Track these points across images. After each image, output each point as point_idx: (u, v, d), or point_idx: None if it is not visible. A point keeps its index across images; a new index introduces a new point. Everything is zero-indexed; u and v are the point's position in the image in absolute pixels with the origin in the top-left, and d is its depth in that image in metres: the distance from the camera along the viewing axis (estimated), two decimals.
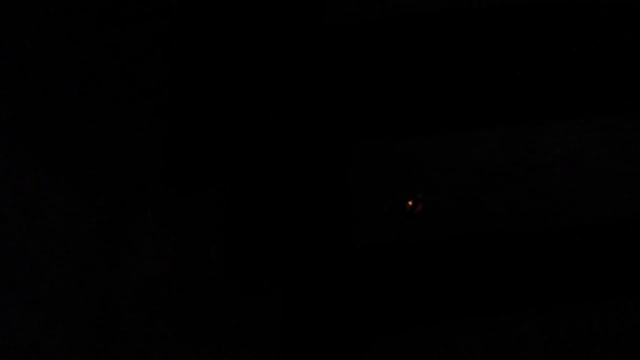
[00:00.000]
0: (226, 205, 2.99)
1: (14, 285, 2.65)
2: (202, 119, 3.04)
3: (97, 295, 2.81)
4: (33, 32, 2.86)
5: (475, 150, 3.05)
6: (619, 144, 3.07)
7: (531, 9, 3.04)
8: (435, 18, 3.04)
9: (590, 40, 3.07)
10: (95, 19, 3.00)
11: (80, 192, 2.88)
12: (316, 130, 3.08)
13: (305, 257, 3.00)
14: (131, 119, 2.99)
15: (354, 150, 3.05)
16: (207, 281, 2.91)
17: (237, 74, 3.07)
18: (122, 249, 2.89)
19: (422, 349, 2.92)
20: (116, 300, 2.83)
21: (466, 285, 2.99)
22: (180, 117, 3.01)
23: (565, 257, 3.00)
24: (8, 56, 2.80)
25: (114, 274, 2.85)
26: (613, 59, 3.09)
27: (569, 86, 3.11)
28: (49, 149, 2.85)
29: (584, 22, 3.05)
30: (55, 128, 2.86)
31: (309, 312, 2.96)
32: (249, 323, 2.89)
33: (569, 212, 3.01)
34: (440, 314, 2.97)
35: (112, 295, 2.84)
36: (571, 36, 3.07)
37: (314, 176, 3.05)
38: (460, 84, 3.09)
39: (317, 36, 3.07)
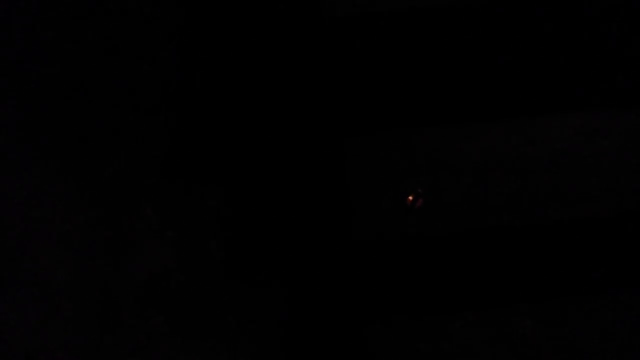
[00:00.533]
0: (226, 200, 3.00)
1: (14, 281, 2.67)
2: (200, 113, 3.05)
3: (97, 292, 2.83)
4: (32, 32, 2.87)
5: (476, 144, 3.05)
6: (621, 138, 3.06)
7: (532, 3, 3.03)
8: (436, 12, 3.04)
9: (593, 34, 3.06)
10: (95, 18, 3.01)
11: (80, 188, 2.90)
12: (315, 123, 3.08)
13: (306, 251, 3.01)
14: (130, 115, 3.01)
15: (353, 144, 3.05)
16: (207, 277, 2.92)
17: (235, 68, 3.07)
18: (122, 245, 2.90)
19: (422, 341, 2.92)
20: (116, 296, 2.85)
21: (467, 278, 2.99)
22: (180, 112, 3.03)
23: (567, 250, 2.99)
24: (8, 56, 2.82)
25: (114, 269, 2.87)
26: (616, 52, 3.08)
27: (571, 79, 3.10)
28: (48, 146, 2.87)
29: (585, 16, 3.04)
30: (54, 125, 2.88)
31: (310, 308, 2.96)
32: (250, 319, 2.90)
33: (571, 205, 2.99)
34: (440, 308, 2.97)
35: (112, 291, 2.85)
36: (572, 30, 3.06)
37: (313, 170, 3.05)
38: (461, 76, 3.09)
39: (316, 30, 3.07)
